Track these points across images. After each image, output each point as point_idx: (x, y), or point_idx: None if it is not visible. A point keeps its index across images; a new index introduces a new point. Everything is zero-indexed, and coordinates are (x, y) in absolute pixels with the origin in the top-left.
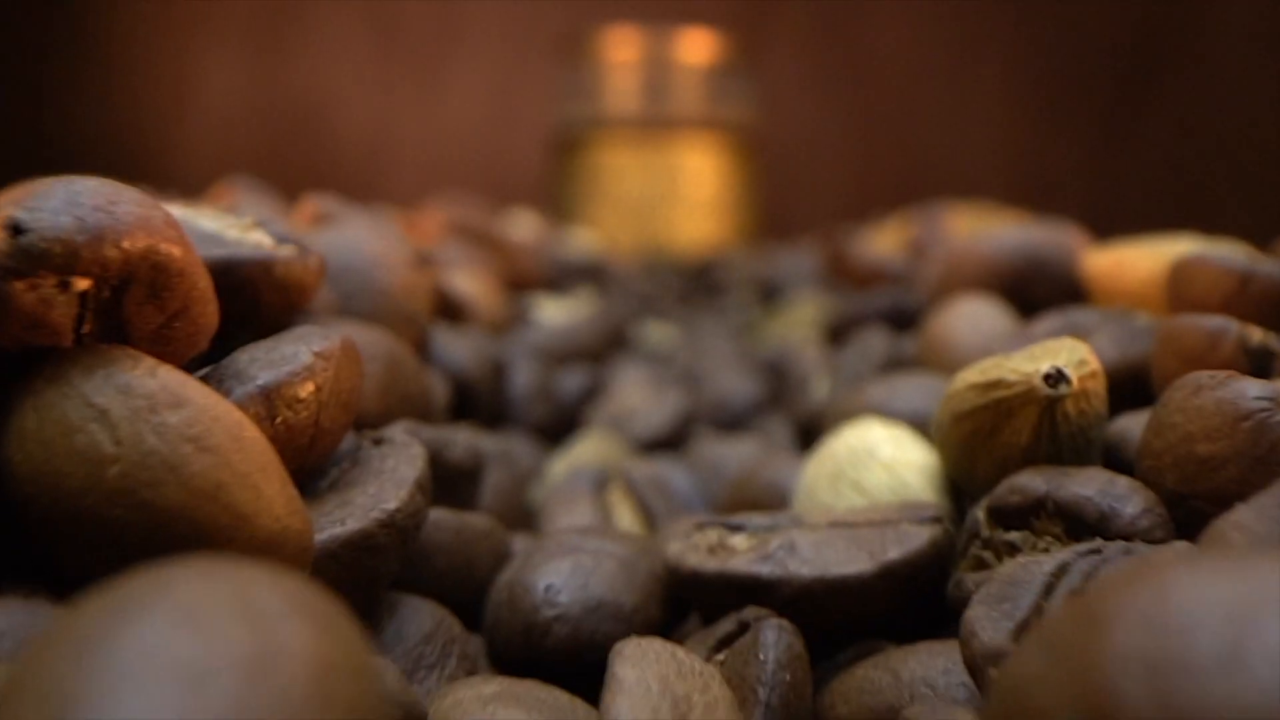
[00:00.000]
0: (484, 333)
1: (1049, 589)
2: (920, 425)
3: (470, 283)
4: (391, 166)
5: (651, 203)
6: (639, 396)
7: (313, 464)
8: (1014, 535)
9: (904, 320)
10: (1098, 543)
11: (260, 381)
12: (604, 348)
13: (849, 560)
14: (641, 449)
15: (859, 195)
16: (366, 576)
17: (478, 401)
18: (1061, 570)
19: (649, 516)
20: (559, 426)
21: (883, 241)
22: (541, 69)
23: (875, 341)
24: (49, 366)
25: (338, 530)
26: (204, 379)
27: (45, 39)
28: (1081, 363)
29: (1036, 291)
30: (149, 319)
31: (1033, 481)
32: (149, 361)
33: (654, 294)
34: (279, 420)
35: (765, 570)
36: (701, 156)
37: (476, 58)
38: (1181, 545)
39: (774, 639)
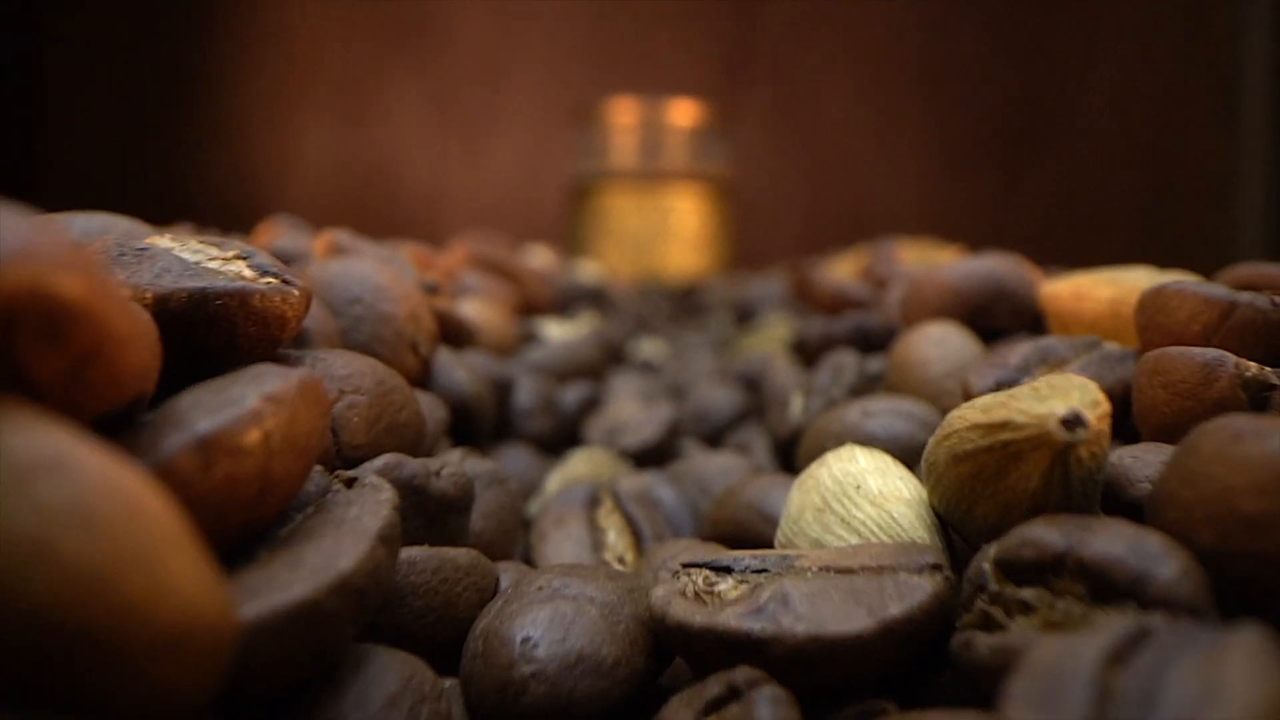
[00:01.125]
0: (489, 355)
1: (1106, 692)
2: (898, 449)
3: (480, 308)
4: (446, 212)
5: (646, 239)
6: (632, 408)
7: (263, 517)
8: (1028, 593)
9: (868, 342)
10: (1140, 619)
11: (198, 429)
12: (603, 363)
13: (846, 616)
14: (633, 461)
15: (810, 232)
16: (315, 648)
17: (478, 421)
18: (1114, 660)
19: (637, 535)
20: (560, 438)
21: (841, 271)
22: (561, 133)
23: (846, 362)
24: None
25: (279, 599)
26: (142, 426)
27: (183, 115)
28: (1095, 403)
29: (997, 318)
30: (49, 364)
31: (1049, 534)
32: (29, 418)
33: (647, 314)
34: (218, 472)
35: (756, 627)
36: (687, 201)
37: (512, 127)
38: (1254, 631)
39: (769, 715)
